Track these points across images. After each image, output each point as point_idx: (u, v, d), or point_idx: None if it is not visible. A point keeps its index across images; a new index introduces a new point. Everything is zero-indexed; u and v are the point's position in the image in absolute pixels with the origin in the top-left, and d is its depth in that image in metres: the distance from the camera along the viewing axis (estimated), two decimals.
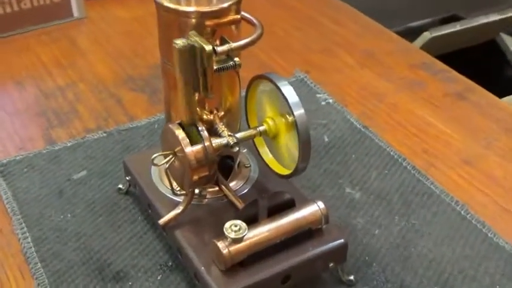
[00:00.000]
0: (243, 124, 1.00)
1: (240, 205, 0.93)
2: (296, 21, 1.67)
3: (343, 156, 1.19)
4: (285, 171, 0.94)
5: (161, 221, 0.92)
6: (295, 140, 0.88)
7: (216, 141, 0.89)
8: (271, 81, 0.90)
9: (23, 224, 1.04)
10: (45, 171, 1.15)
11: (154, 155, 0.87)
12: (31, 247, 1.00)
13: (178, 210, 0.91)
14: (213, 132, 0.91)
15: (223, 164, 0.98)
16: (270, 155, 0.99)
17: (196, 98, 0.88)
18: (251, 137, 0.93)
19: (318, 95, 1.37)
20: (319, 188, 1.12)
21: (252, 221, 0.88)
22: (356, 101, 1.36)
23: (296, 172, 0.91)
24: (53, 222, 1.04)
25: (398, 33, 1.66)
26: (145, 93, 1.36)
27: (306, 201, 0.92)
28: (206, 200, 0.98)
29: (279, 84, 0.88)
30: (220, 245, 0.84)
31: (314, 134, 1.25)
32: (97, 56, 1.50)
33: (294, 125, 0.87)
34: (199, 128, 0.86)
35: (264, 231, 0.87)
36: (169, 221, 0.92)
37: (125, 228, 1.03)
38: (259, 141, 0.99)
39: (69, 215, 1.06)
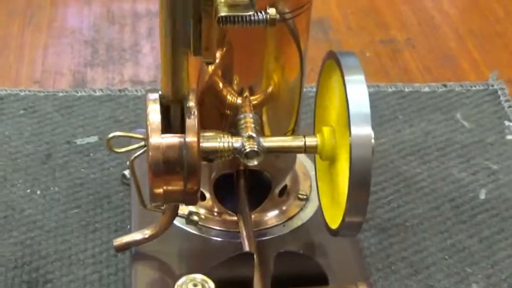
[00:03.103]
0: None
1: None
2: None
3: (496, 230, 0.99)
4: (335, 222, 0.77)
5: (116, 241, 0.81)
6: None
7: (221, 141, 0.74)
8: (339, 66, 0.73)
9: None
10: (46, 121, 1.10)
11: (113, 134, 0.75)
12: None
13: (142, 235, 0.81)
14: (233, 125, 0.77)
15: (258, 181, 0.84)
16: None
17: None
18: (287, 150, 0.78)
19: (508, 123, 1.16)
20: (428, 269, 0.94)
21: (237, 284, 0.73)
22: None
23: (343, 228, 0.75)
24: (13, 195, 0.98)
25: None
26: None
27: (345, 286, 0.74)
28: (213, 231, 0.85)
29: (347, 75, 0.72)
30: None
31: (468, 180, 1.05)
32: None
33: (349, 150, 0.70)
34: (190, 110, 0.72)
35: None
36: (126, 245, 0.81)
37: (100, 236, 0.94)
38: (322, 164, 0.83)
39: (38, 192, 0.99)
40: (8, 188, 0.99)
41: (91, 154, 1.05)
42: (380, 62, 1.26)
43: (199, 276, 0.70)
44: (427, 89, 1.20)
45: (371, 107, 1.14)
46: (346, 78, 0.72)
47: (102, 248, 0.92)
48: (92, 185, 1.00)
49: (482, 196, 1.04)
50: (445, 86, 1.21)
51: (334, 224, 0.78)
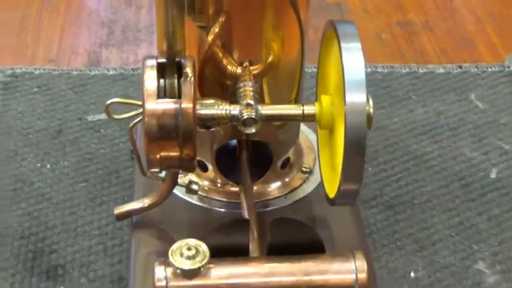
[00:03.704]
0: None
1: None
2: None
3: (506, 209, 0.98)
4: (333, 192, 0.77)
5: (116, 210, 0.82)
6: None
7: (219, 108, 0.74)
8: (336, 34, 0.73)
9: None
10: (59, 98, 1.11)
11: (111, 100, 0.76)
12: None
13: (142, 204, 0.81)
14: (233, 94, 0.78)
15: (260, 153, 0.84)
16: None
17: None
18: (286, 118, 0.78)
19: None
20: (434, 246, 0.93)
21: (234, 251, 0.73)
22: None
23: (339, 197, 0.74)
24: (23, 168, 1.00)
25: None
26: None
27: (342, 254, 0.74)
28: (215, 202, 0.85)
29: (343, 42, 0.72)
30: (158, 272, 0.70)
31: (479, 159, 1.05)
32: None
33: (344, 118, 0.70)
34: (186, 76, 0.72)
35: (241, 273, 0.71)
36: (127, 214, 0.82)
37: (107, 209, 0.95)
38: (323, 134, 0.83)
39: (48, 166, 1.00)
40: (19, 161, 1.00)
41: (102, 130, 1.06)
42: (396, 44, 1.26)
43: (192, 241, 0.71)
44: (441, 70, 1.19)
45: (384, 87, 1.15)
46: (342, 45, 0.71)
47: (109, 220, 0.93)
48: (101, 160, 1.01)
49: (493, 175, 1.03)
50: (460, 67, 1.20)
51: (333, 194, 0.78)
